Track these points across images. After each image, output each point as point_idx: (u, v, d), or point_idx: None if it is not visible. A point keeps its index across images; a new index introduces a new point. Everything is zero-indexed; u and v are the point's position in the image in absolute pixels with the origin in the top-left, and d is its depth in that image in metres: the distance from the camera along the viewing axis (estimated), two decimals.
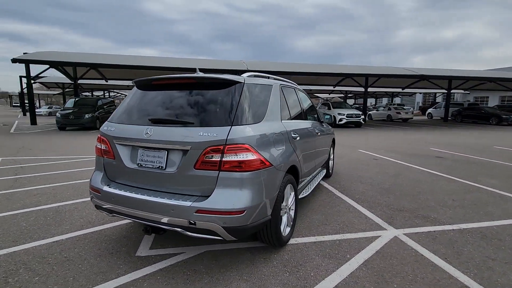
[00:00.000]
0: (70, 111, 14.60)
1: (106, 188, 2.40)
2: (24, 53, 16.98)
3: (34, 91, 43.58)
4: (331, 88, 29.35)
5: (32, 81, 17.90)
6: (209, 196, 2.09)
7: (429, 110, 28.58)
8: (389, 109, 23.84)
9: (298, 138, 3.07)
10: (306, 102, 4.27)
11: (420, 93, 41.99)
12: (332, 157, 5.51)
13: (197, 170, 2.13)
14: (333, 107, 17.81)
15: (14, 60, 14.74)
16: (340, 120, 16.64)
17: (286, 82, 3.56)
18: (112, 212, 2.41)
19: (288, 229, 2.85)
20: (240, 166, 2.10)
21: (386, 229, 3.16)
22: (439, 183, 5.04)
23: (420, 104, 46.12)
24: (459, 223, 3.33)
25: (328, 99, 47.48)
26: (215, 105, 2.25)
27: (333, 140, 5.52)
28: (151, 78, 2.54)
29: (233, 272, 2.34)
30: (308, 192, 3.56)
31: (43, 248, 2.69)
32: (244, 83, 2.41)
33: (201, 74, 2.50)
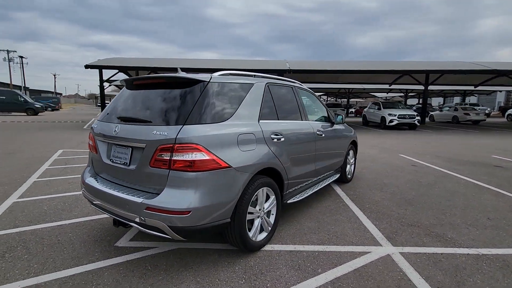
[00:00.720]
0: None
1: (87, 181, 2.61)
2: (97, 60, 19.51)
3: (111, 93, 49.75)
4: (387, 86, 27.09)
5: (107, 84, 20.44)
6: (159, 194, 2.12)
7: (510, 111, 24.35)
8: (456, 109, 20.99)
9: (282, 139, 2.90)
10: (310, 102, 4.03)
11: (501, 91, 36.03)
12: (352, 161, 5.09)
13: (151, 168, 2.17)
14: (384, 107, 16.42)
15: (87, 66, 17.02)
16: (391, 121, 15.26)
17: (281, 81, 3.40)
18: (91, 203, 2.61)
19: (263, 235, 2.72)
20: (190, 166, 2.07)
21: (381, 245, 2.79)
22: (480, 198, 4.25)
23: (502, 104, 39.60)
24: (479, 247, 2.76)
25: (387, 98, 43.94)
26: (174, 104, 2.27)
27: (353, 143, 5.09)
28: (133, 78, 2.67)
29: (190, 272, 2.32)
30: (303, 197, 3.35)
31: (46, 231, 3.04)
32: (208, 82, 2.37)
33: (175, 74, 2.52)
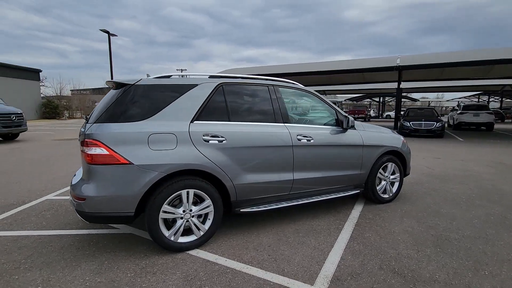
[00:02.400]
0: None
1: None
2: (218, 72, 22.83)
3: None
4: None
5: None
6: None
7: None
8: None
9: (225, 141, 2.72)
10: (309, 104, 3.49)
11: None
12: (391, 177, 3.97)
13: (82, 159, 2.59)
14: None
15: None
16: None
17: (250, 81, 3.14)
18: None
19: (190, 238, 2.66)
20: (91, 159, 2.35)
21: (310, 285, 2.16)
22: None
23: None
24: None
25: None
26: (103, 105, 2.60)
27: (395, 154, 3.96)
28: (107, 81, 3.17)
29: (102, 256, 2.60)
30: (269, 209, 2.99)
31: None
32: (132, 85, 2.57)
33: (115, 79, 2.80)
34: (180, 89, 2.73)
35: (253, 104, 3.09)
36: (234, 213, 2.91)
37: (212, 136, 2.70)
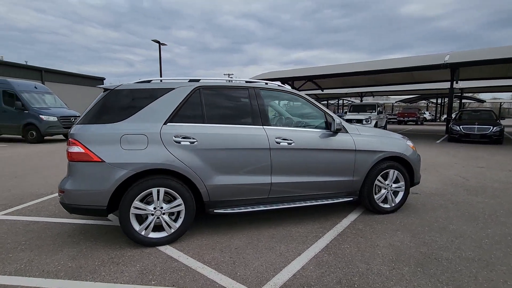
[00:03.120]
0: None
1: None
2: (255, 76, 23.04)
3: None
4: None
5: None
6: None
7: None
8: None
9: (196, 143, 2.81)
10: (292, 106, 3.40)
11: None
12: (394, 186, 3.63)
13: None
14: None
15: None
16: None
17: (229, 84, 3.18)
18: None
19: (161, 234, 2.80)
20: (70, 156, 2.64)
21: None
22: None
23: None
24: None
25: None
26: (88, 108, 2.88)
27: (399, 160, 3.62)
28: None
29: (68, 245, 2.86)
30: (241, 211, 3.00)
31: None
32: (112, 90, 2.81)
33: (120, 84, 3.10)
34: (156, 93, 2.89)
35: (230, 107, 3.12)
36: (208, 213, 2.97)
37: (184, 138, 2.80)
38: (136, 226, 2.73)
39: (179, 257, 2.59)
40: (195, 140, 2.82)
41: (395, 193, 3.69)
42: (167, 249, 2.74)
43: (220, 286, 2.17)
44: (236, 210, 3.00)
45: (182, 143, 2.79)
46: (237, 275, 2.32)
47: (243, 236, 3.03)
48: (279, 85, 3.41)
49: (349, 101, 43.19)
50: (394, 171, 3.59)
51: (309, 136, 3.25)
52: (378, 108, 16.95)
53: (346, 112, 20.39)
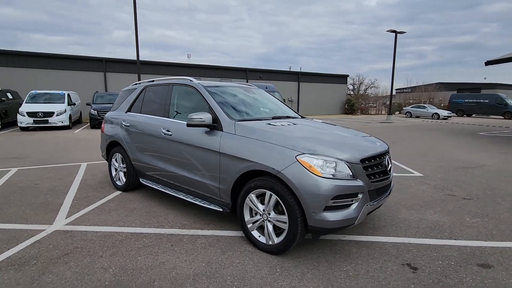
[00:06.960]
0: None
1: None
2: None
3: None
4: None
5: None
6: None
7: None
8: None
9: (128, 126, 3.98)
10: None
11: None
12: (273, 215, 2.50)
13: None
14: None
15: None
16: None
17: (162, 82, 3.83)
18: None
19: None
20: (102, 129, 4.81)
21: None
22: None
23: None
24: None
25: None
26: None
27: (281, 181, 2.43)
28: None
29: None
30: (156, 188, 3.60)
31: None
32: (122, 90, 4.60)
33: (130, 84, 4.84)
34: (130, 92, 4.33)
35: (156, 101, 3.82)
36: (138, 180, 4.01)
37: (124, 122, 4.07)
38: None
39: (97, 229, 3.99)
40: (128, 124, 3.99)
41: (276, 228, 2.51)
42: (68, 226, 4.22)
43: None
44: (152, 186, 3.68)
45: (123, 125, 4.08)
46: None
47: (172, 207, 3.76)
48: (187, 79, 3.54)
49: None
50: (271, 195, 2.47)
51: (182, 129, 3.22)
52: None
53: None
